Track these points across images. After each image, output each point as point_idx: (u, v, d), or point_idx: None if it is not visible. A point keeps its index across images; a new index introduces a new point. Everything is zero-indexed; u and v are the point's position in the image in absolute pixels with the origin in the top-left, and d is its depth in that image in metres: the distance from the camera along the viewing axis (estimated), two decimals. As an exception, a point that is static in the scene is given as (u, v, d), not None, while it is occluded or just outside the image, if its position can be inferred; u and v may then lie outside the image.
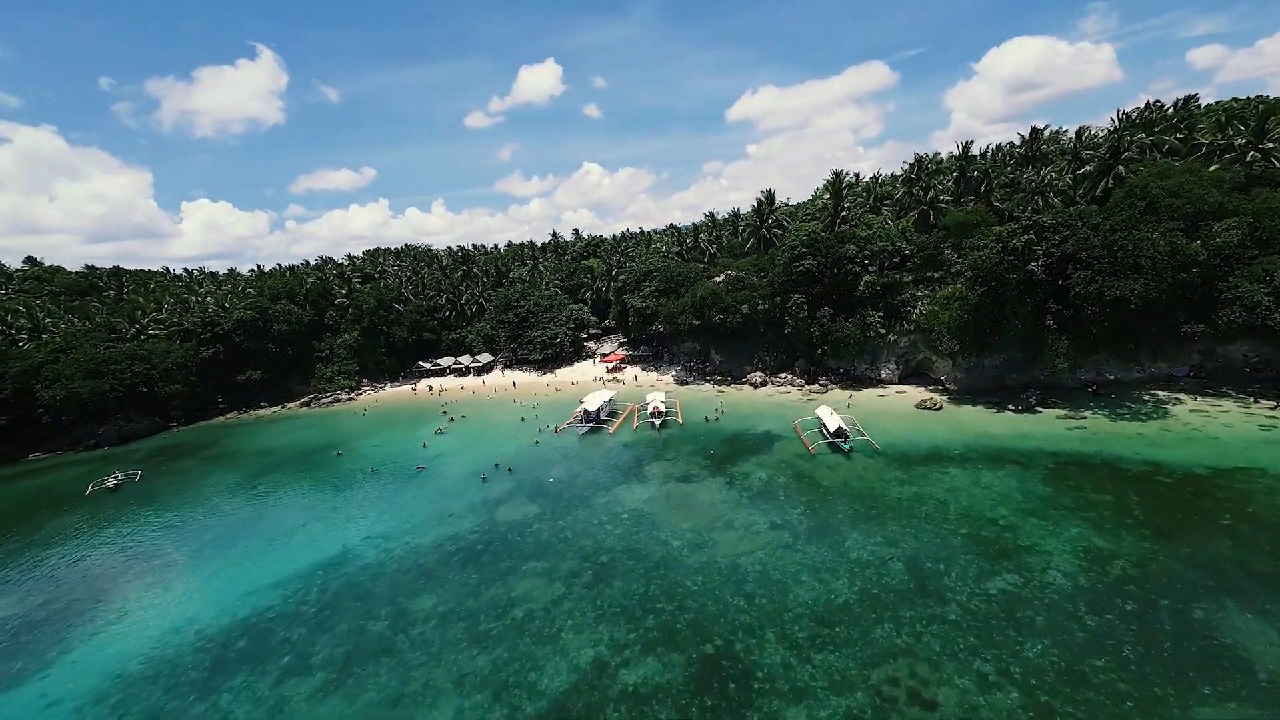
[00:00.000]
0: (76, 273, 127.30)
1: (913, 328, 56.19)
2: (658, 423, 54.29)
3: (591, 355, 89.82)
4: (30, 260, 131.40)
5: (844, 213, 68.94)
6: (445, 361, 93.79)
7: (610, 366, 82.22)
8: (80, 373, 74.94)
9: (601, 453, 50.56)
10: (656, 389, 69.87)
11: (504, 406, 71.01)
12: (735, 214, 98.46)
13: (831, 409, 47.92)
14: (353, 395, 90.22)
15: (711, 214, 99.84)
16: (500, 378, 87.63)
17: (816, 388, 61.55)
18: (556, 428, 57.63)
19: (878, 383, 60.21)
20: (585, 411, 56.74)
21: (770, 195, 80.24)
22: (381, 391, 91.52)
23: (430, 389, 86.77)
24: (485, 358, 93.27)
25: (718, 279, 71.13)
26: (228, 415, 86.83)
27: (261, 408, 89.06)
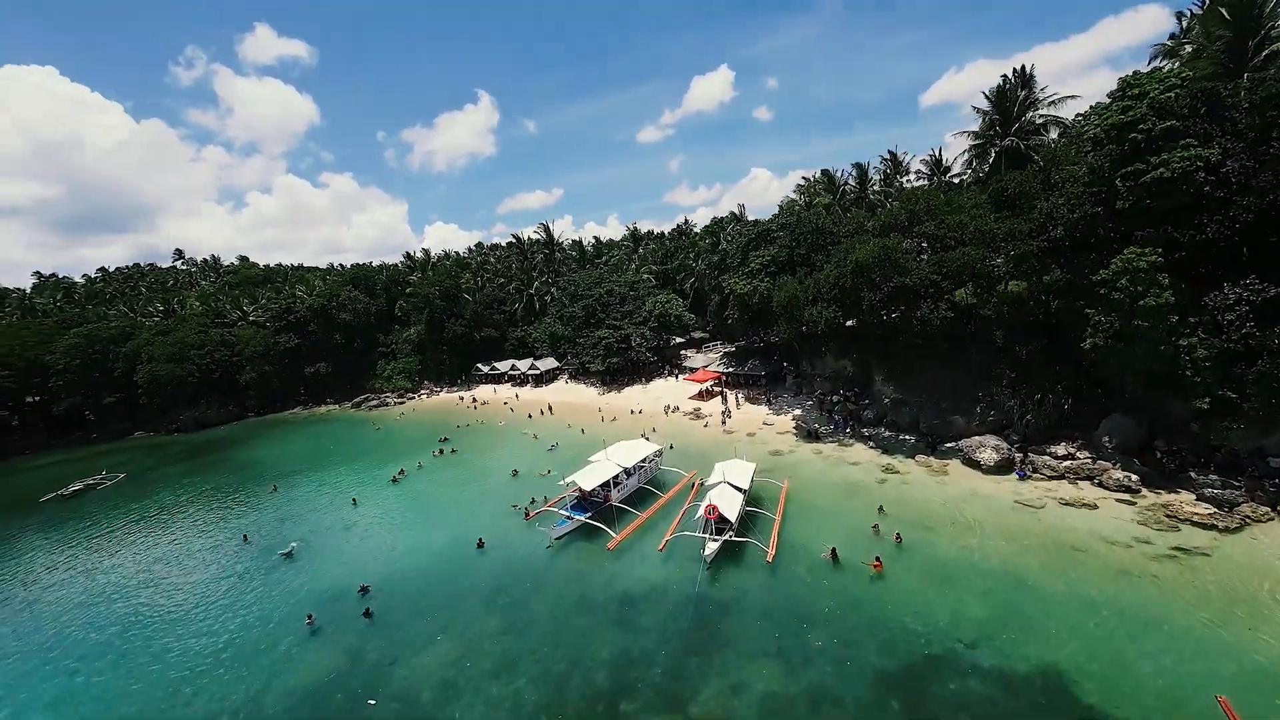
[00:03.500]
0: (265, 267, 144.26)
1: None
2: (708, 551, 22.63)
3: (681, 370, 60.28)
4: (241, 258, 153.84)
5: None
6: (505, 366, 74.24)
7: (697, 390, 51.62)
8: (164, 355, 74.09)
9: (560, 613, 21.39)
10: (754, 443, 37.31)
11: (517, 440, 46.57)
12: (935, 155, 57.97)
13: None
14: (403, 399, 76.53)
15: (891, 152, 61.22)
16: (562, 390, 64.14)
17: (1195, 505, 22.21)
18: (529, 510, 30.24)
19: None
20: (580, 493, 28.15)
21: (1024, 73, 40.30)
22: (435, 397, 76.14)
23: (474, 401, 67.61)
24: (548, 363, 70.91)
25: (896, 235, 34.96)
26: (295, 409, 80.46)
27: (327, 403, 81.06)
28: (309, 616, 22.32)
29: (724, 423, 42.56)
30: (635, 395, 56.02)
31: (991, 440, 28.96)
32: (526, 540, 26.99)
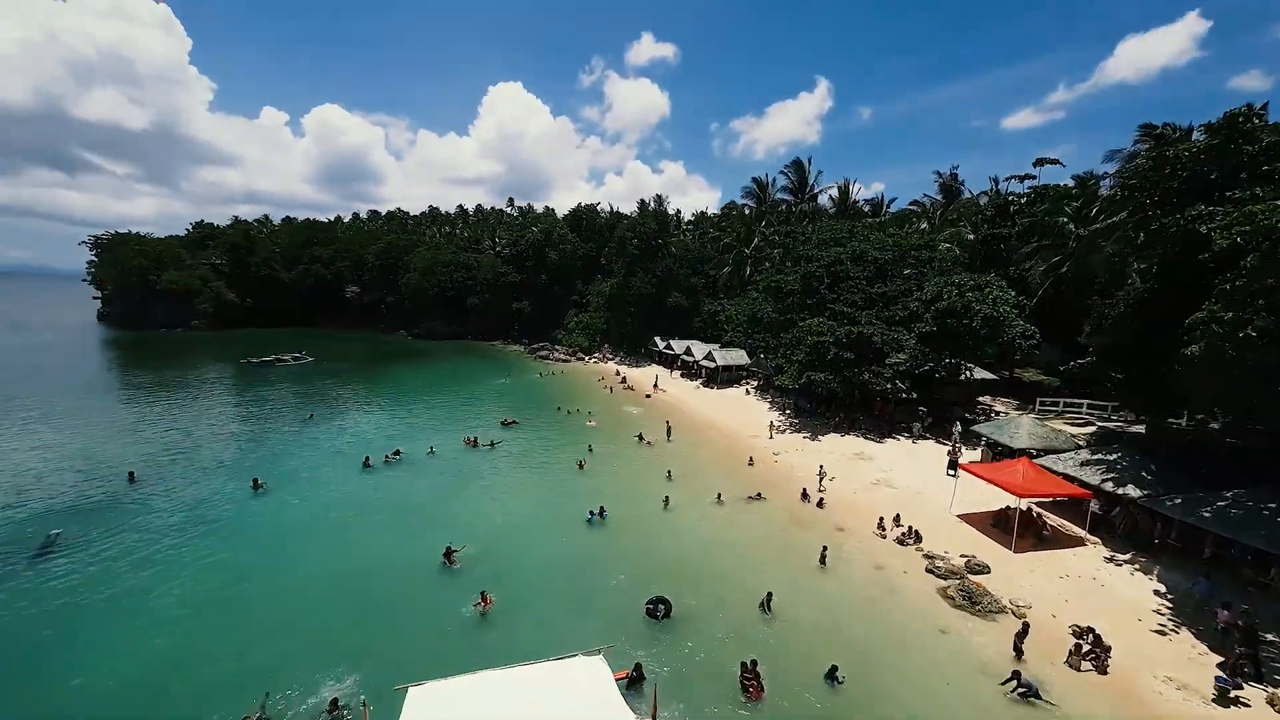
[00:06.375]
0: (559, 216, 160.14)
1: None
2: None
3: (961, 438, 27.42)
4: (547, 208, 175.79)
5: None
6: (680, 347, 53.94)
7: (1000, 507, 19.51)
8: (419, 268, 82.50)
9: None
10: None
11: (567, 468, 25.82)
12: None
13: None
14: (569, 358, 65.55)
15: None
16: (736, 403, 40.02)
17: None
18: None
19: None
20: None
21: None
22: (603, 364, 62.43)
23: (622, 381, 49.95)
24: (733, 357, 47.01)
25: None
26: (495, 341, 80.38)
27: (523, 342, 77.97)
28: None
29: (1088, 663, 11.46)
30: (845, 459, 27.23)
31: None
32: None
